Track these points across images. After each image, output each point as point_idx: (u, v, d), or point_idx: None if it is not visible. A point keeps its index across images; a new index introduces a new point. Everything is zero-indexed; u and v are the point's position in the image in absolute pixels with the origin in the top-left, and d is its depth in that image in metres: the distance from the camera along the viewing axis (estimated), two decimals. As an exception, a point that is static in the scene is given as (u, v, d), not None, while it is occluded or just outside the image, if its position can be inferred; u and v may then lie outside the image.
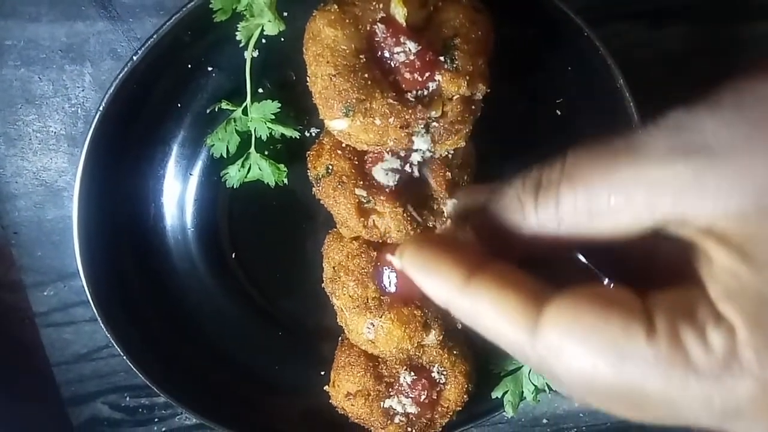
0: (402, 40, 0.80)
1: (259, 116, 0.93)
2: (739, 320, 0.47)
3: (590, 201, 0.52)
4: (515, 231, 0.56)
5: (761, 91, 0.49)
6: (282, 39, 0.90)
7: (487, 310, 0.52)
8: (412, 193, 0.88)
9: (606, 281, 0.59)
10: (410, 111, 0.81)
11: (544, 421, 1.23)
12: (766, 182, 0.47)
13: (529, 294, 0.52)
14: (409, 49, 0.80)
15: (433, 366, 0.96)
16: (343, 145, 0.88)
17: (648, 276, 0.56)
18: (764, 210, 0.47)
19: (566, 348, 0.50)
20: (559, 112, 0.98)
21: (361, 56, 0.81)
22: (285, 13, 0.88)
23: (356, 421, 0.98)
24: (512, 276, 0.53)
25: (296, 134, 0.94)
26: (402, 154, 0.87)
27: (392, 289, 0.90)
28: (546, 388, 1.02)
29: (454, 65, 0.82)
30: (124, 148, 0.96)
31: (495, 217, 0.58)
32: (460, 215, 0.63)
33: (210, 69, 0.95)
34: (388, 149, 0.86)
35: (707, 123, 0.49)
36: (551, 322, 0.50)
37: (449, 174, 0.88)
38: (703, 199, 0.48)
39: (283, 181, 0.97)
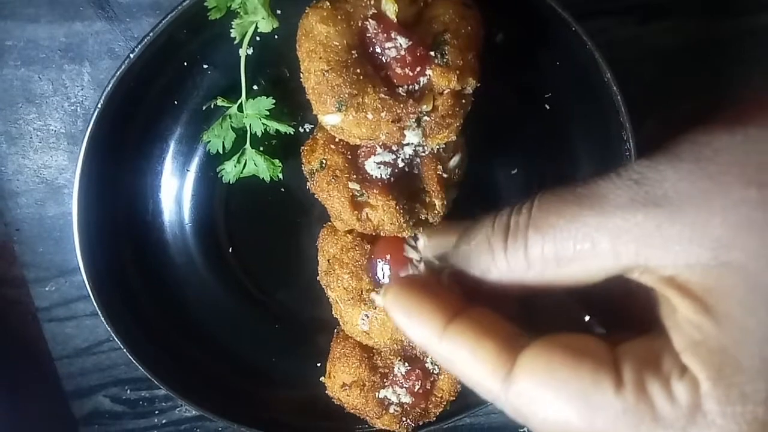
0: (393, 35, 0.79)
1: (254, 112, 0.92)
2: (702, 373, 0.47)
3: (557, 247, 0.52)
4: (487, 273, 0.57)
5: (718, 145, 0.49)
6: (276, 36, 0.90)
7: (464, 357, 0.53)
8: (404, 186, 0.87)
9: (586, 318, 0.59)
10: (402, 105, 0.80)
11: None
12: (723, 237, 0.47)
13: (504, 342, 0.52)
14: (400, 45, 0.80)
15: (427, 356, 0.95)
16: (337, 139, 0.87)
17: (626, 313, 0.56)
18: (723, 264, 0.47)
19: (538, 398, 0.51)
20: (547, 107, 0.97)
21: (353, 52, 0.80)
22: (278, 11, 0.87)
23: (352, 411, 0.97)
24: (488, 323, 0.54)
25: (290, 130, 0.94)
26: (394, 148, 0.86)
27: (386, 281, 0.90)
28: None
29: (445, 60, 0.81)
30: (123, 145, 0.95)
31: (468, 259, 0.58)
32: (438, 255, 0.63)
33: (205, 66, 0.94)
34: (380, 143, 0.85)
35: (667, 175, 0.49)
36: (524, 372, 0.51)
37: (440, 167, 0.88)
38: (665, 250, 0.48)
39: (278, 176, 0.96)
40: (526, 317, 0.57)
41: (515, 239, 0.54)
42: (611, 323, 0.59)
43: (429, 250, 0.62)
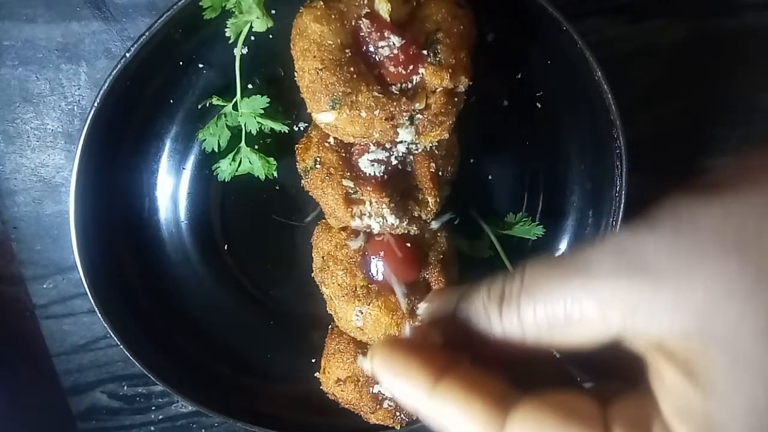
0: (386, 34, 0.79)
1: (249, 111, 0.91)
2: None
3: (548, 313, 0.52)
4: (484, 336, 0.56)
5: (697, 213, 0.48)
6: (270, 36, 0.89)
7: (453, 416, 0.52)
8: (397, 183, 0.87)
9: (578, 377, 0.59)
10: (395, 103, 0.80)
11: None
12: (705, 307, 0.46)
13: (495, 401, 0.52)
14: (393, 44, 0.80)
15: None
16: (331, 138, 0.87)
17: (617, 369, 0.56)
18: (706, 334, 0.47)
19: None
20: (539, 105, 0.97)
21: (346, 51, 0.80)
22: (273, 11, 0.86)
23: (346, 406, 0.97)
24: (478, 381, 0.53)
25: (285, 128, 0.93)
26: (387, 146, 0.86)
27: (379, 277, 0.89)
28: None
29: (437, 59, 0.81)
30: (119, 143, 0.94)
31: (465, 321, 0.58)
32: (432, 317, 0.63)
33: (201, 66, 0.93)
34: (374, 141, 0.85)
35: (648, 245, 0.49)
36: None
37: (433, 165, 0.87)
38: (650, 318, 0.48)
39: (272, 174, 0.95)
40: (514, 368, 0.57)
41: (509, 305, 0.54)
42: (601, 374, 0.59)
43: (427, 314, 0.63)
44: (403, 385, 0.54)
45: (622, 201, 0.95)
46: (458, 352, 0.56)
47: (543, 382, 0.54)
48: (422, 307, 0.63)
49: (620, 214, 0.95)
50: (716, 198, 0.48)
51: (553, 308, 0.52)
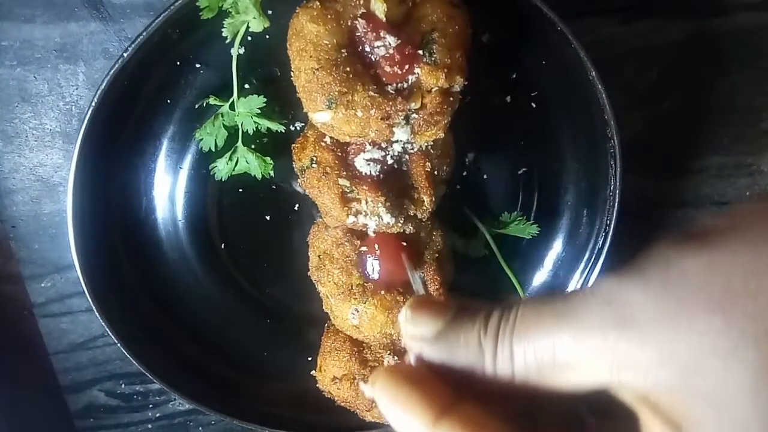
0: (382, 34, 0.79)
1: (246, 111, 0.91)
2: None
3: (537, 358, 0.52)
4: (474, 371, 0.55)
5: (685, 267, 0.48)
6: (267, 36, 0.89)
7: None
8: (393, 183, 0.87)
9: (582, 413, 0.59)
10: (391, 103, 0.80)
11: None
12: (689, 364, 0.46)
13: None
14: (389, 44, 0.80)
15: (415, 351, 0.94)
16: (327, 137, 0.87)
17: (620, 411, 0.56)
18: (691, 391, 0.47)
19: None
20: (534, 105, 0.97)
21: (342, 50, 0.80)
22: (269, 11, 0.86)
23: (342, 404, 0.96)
24: (480, 421, 0.52)
25: (281, 128, 0.93)
26: (383, 145, 0.86)
27: (375, 276, 0.89)
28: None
29: (433, 58, 0.81)
30: (116, 143, 0.94)
31: (455, 352, 0.56)
32: (418, 334, 0.61)
33: (198, 66, 0.93)
34: (369, 140, 0.85)
35: (635, 297, 0.49)
36: None
37: (429, 164, 0.87)
38: (635, 371, 0.48)
39: (269, 173, 0.95)
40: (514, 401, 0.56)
41: (502, 346, 0.54)
42: (605, 413, 0.58)
43: (410, 325, 0.60)
44: (404, 418, 0.53)
45: (617, 200, 0.94)
46: (460, 385, 0.55)
47: (545, 415, 0.54)
48: (403, 313, 0.61)
49: (614, 213, 0.95)
50: (704, 250, 0.48)
51: (542, 353, 0.52)
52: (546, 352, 0.51)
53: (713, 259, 0.47)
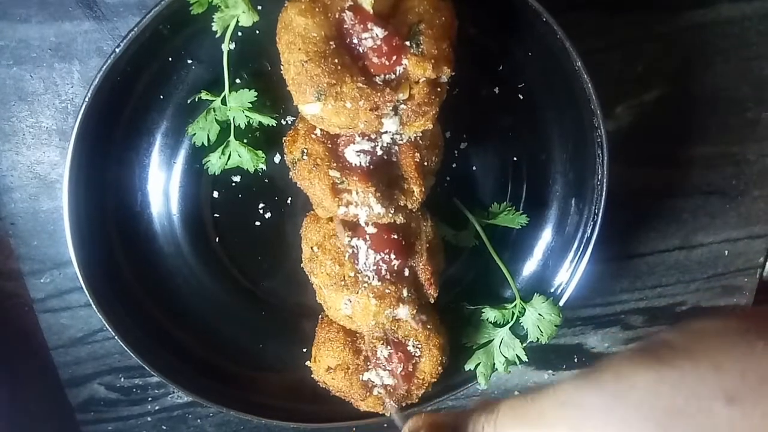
0: (369, 26, 0.78)
1: (237, 105, 0.89)
2: None
3: None
4: None
5: (635, 381, 0.52)
6: (257, 31, 0.87)
7: None
8: (383, 173, 0.85)
9: None
10: (379, 94, 0.79)
11: (516, 392, 1.20)
12: None
13: None
14: (377, 35, 0.78)
15: (409, 340, 0.93)
16: (317, 129, 0.85)
17: None
18: None
19: None
20: (521, 96, 0.95)
21: (331, 43, 0.78)
22: (259, 6, 0.84)
23: (337, 394, 0.95)
24: None
25: (273, 122, 0.91)
26: (373, 136, 0.84)
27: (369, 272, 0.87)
28: (516, 360, 0.98)
29: (420, 49, 0.79)
30: (110, 139, 0.92)
31: None
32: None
33: (189, 61, 0.91)
34: (359, 132, 0.83)
35: (590, 401, 0.54)
36: None
37: (418, 155, 0.85)
38: None
39: (261, 166, 0.93)
40: None
41: None
42: None
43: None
44: None
45: (604, 189, 0.93)
46: None
47: None
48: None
49: (602, 203, 0.93)
50: (654, 367, 0.52)
51: None
52: None
53: (661, 376, 0.51)
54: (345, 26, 0.78)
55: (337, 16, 0.78)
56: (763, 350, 0.50)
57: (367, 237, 0.87)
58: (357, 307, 0.88)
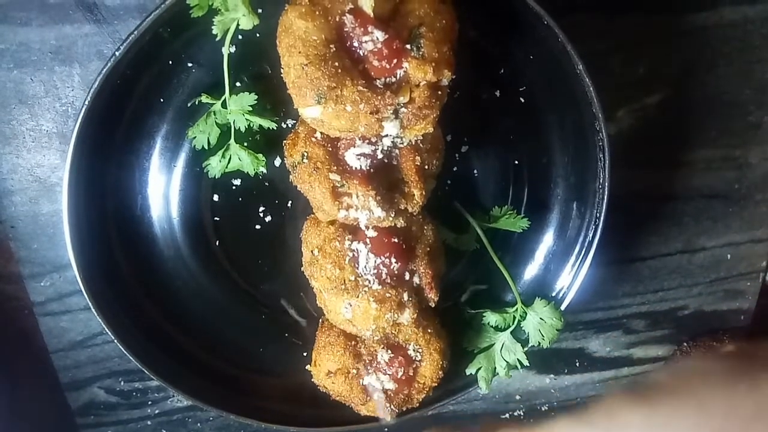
0: (370, 29, 0.77)
1: (238, 108, 0.88)
2: None
3: None
4: None
5: (627, 420, 0.55)
6: (258, 35, 0.87)
7: None
8: (383, 177, 0.85)
9: None
10: (379, 97, 0.78)
11: (517, 397, 1.20)
12: None
13: None
14: (377, 38, 0.77)
15: (409, 344, 0.92)
16: (318, 133, 0.85)
17: None
18: None
19: None
20: (522, 99, 0.95)
21: (331, 46, 0.77)
22: (260, 10, 0.84)
23: (337, 398, 0.94)
24: None
25: (273, 125, 0.90)
26: (373, 140, 0.83)
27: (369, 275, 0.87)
28: (517, 365, 0.98)
29: (420, 53, 0.79)
30: (110, 142, 0.91)
31: None
32: None
33: (190, 65, 0.90)
34: (359, 135, 0.83)
35: None
36: None
37: (418, 158, 0.85)
38: None
39: (261, 170, 0.92)
40: None
41: None
42: None
43: None
44: None
45: (606, 193, 0.92)
46: None
47: None
48: None
49: (604, 206, 0.92)
50: (644, 408, 0.55)
51: None
52: None
53: (651, 417, 0.54)
54: (345, 29, 0.78)
55: (337, 19, 0.77)
56: (746, 391, 0.52)
57: (368, 241, 0.86)
58: (357, 311, 0.87)
